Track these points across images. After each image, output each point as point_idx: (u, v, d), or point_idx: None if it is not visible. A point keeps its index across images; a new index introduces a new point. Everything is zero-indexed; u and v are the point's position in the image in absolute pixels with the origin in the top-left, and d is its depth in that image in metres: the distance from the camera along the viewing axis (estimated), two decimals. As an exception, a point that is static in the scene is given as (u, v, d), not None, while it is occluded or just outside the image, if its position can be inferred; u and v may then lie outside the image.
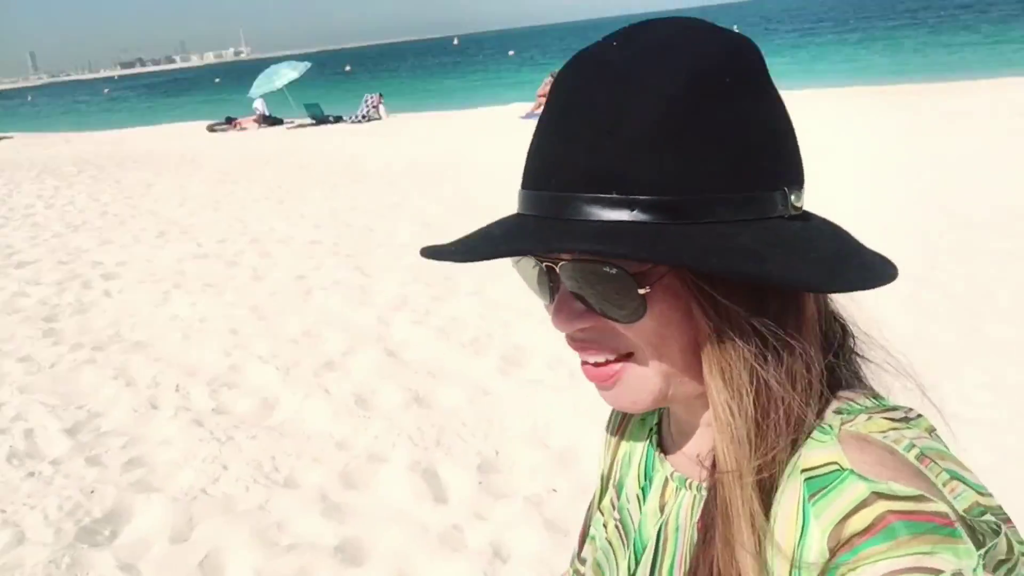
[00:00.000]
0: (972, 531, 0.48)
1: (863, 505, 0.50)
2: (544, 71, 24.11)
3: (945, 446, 0.55)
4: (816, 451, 0.55)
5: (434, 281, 5.54)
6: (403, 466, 3.23)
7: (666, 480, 0.71)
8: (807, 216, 0.59)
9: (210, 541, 2.84)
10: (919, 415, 0.57)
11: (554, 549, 2.64)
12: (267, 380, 4.17)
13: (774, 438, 0.55)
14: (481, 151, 12.49)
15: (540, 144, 0.58)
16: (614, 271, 0.55)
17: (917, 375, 0.61)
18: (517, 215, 0.60)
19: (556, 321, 0.61)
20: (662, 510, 0.70)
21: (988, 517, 0.50)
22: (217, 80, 78.61)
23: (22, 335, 4.98)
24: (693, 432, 0.68)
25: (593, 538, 0.81)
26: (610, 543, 0.77)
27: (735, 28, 0.75)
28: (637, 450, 0.78)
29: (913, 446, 0.53)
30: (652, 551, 0.69)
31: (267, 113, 22.04)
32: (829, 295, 0.63)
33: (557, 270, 0.58)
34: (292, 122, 21.67)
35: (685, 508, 0.67)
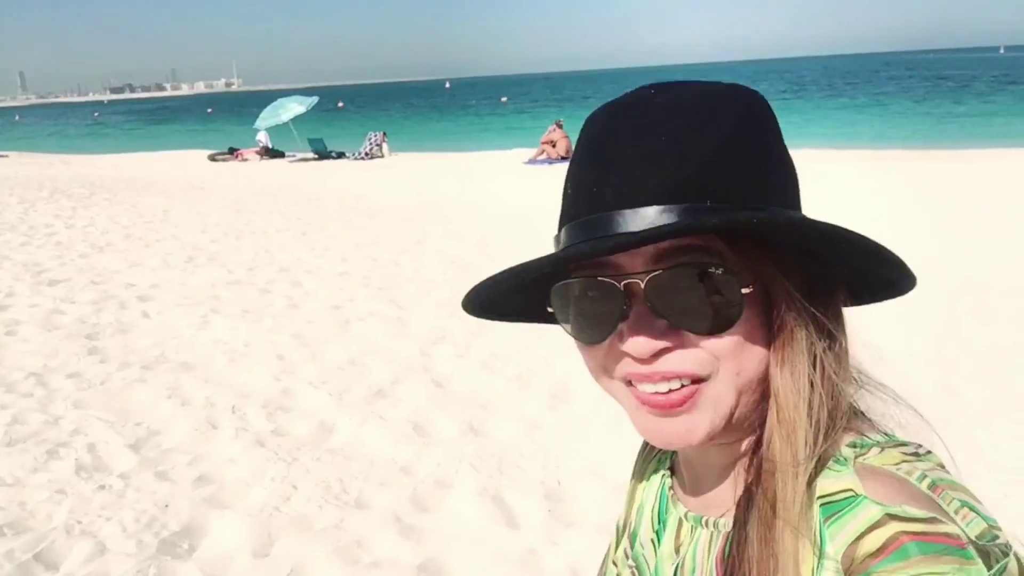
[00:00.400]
0: (984, 554, 0.49)
1: (876, 526, 0.52)
2: (538, 118, 24.63)
3: (956, 479, 0.56)
4: (832, 480, 0.57)
5: (469, 317, 5.65)
6: (470, 491, 3.34)
7: (680, 521, 0.72)
8: None
9: (292, 556, 2.91)
10: (929, 451, 0.59)
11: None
12: (320, 404, 4.27)
13: (828, 429, 0.58)
14: (493, 193, 12.73)
15: (610, 169, 0.59)
16: (720, 270, 0.57)
17: (926, 416, 0.64)
18: (582, 242, 0.59)
19: (634, 344, 0.58)
20: (677, 551, 0.70)
21: (1000, 541, 0.51)
22: (209, 110, 78.92)
23: (67, 352, 5.04)
24: (708, 475, 0.70)
25: None
26: None
27: None
28: (650, 497, 0.79)
29: (925, 476, 0.55)
30: None
31: (269, 146, 22.23)
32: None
33: (642, 285, 0.58)
34: (294, 155, 21.83)
35: (702, 546, 0.67)
